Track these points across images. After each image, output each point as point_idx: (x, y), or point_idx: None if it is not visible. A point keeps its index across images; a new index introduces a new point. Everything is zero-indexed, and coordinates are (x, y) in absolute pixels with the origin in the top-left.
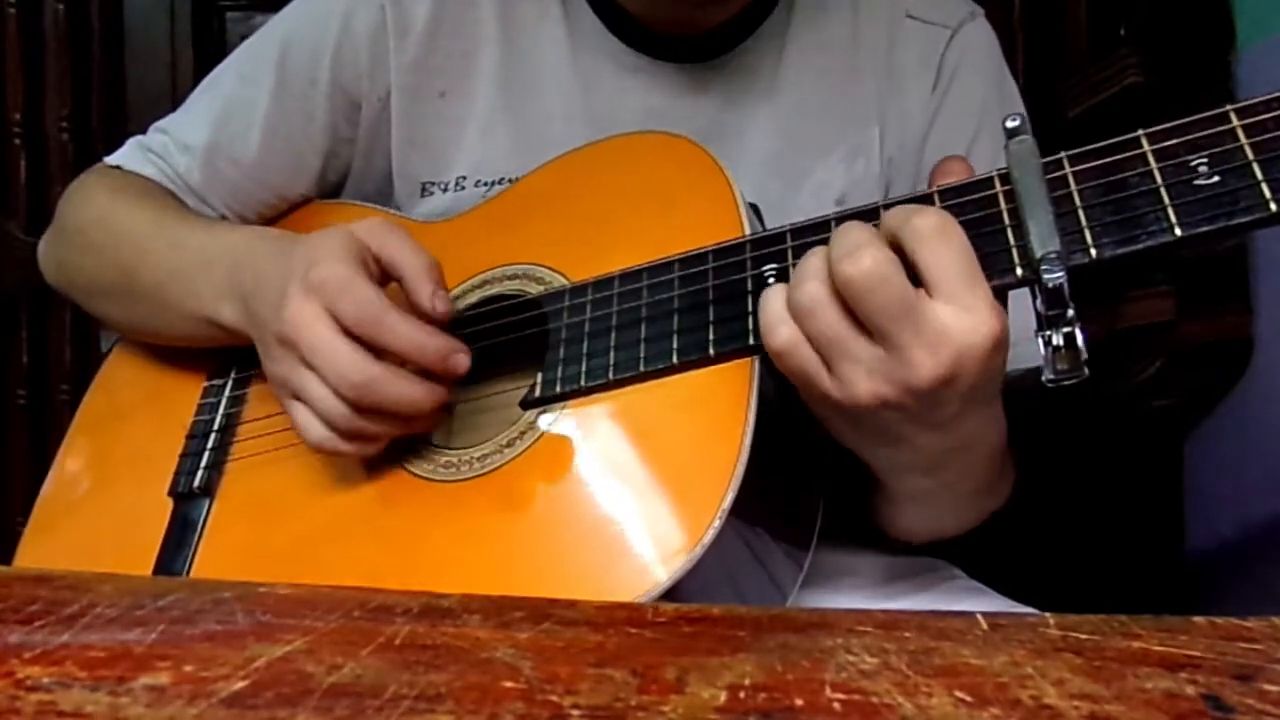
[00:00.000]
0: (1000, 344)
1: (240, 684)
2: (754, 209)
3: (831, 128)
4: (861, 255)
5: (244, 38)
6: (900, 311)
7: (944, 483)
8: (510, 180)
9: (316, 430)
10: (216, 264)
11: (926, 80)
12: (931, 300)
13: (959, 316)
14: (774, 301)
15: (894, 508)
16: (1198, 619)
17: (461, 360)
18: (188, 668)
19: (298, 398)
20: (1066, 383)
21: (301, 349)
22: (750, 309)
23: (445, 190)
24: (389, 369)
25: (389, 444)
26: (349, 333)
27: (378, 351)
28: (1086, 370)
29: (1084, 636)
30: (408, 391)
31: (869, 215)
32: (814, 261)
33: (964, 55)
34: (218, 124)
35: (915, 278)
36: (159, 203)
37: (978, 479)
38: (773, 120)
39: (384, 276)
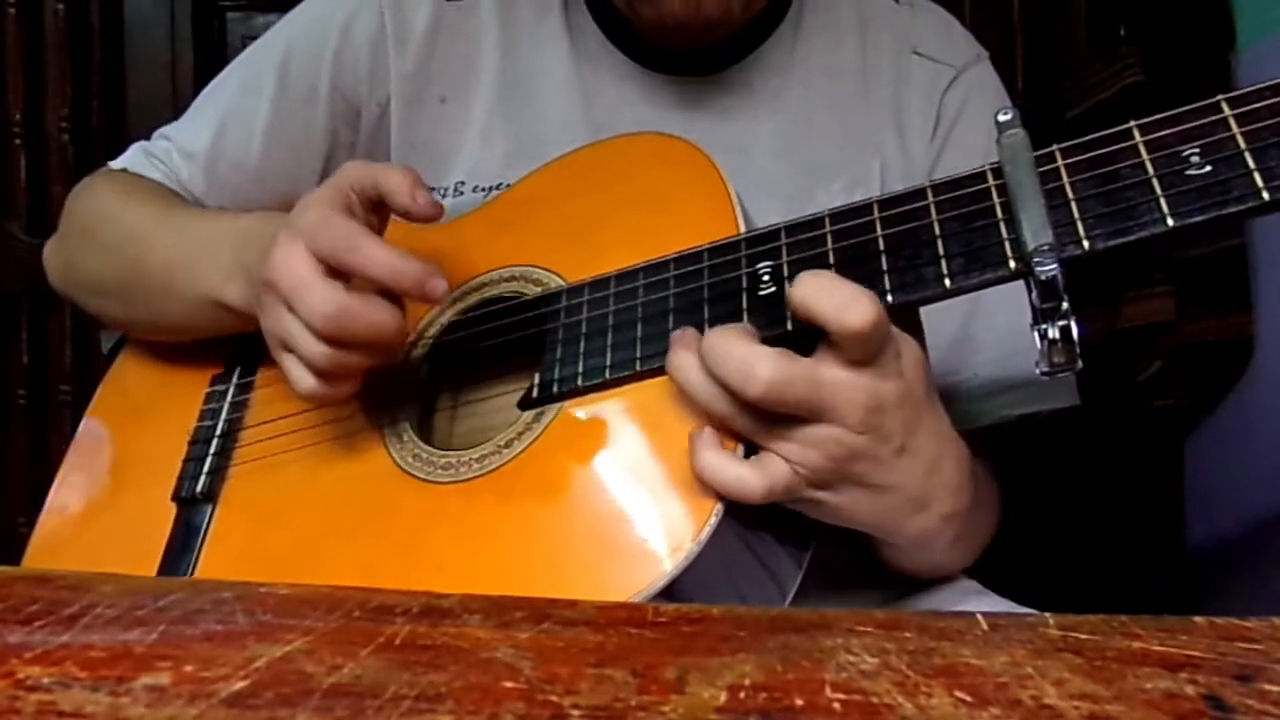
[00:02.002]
0: (879, 329)
1: (240, 684)
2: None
3: (835, 154)
4: (757, 370)
5: (244, 38)
6: (813, 391)
7: (941, 513)
8: (508, 186)
9: (305, 380)
10: (222, 246)
11: (928, 123)
12: (824, 355)
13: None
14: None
15: (900, 553)
16: (1198, 619)
17: (439, 284)
18: (188, 668)
19: (286, 348)
20: (1061, 375)
21: (282, 290)
22: (745, 305)
23: (444, 195)
24: (360, 297)
25: (390, 448)
26: (329, 270)
27: (358, 282)
28: (1080, 363)
29: (1084, 636)
30: (379, 316)
31: (862, 212)
32: (704, 390)
33: (966, 101)
34: (219, 131)
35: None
36: (164, 199)
37: (965, 491)
38: (774, 140)
39: (371, 208)
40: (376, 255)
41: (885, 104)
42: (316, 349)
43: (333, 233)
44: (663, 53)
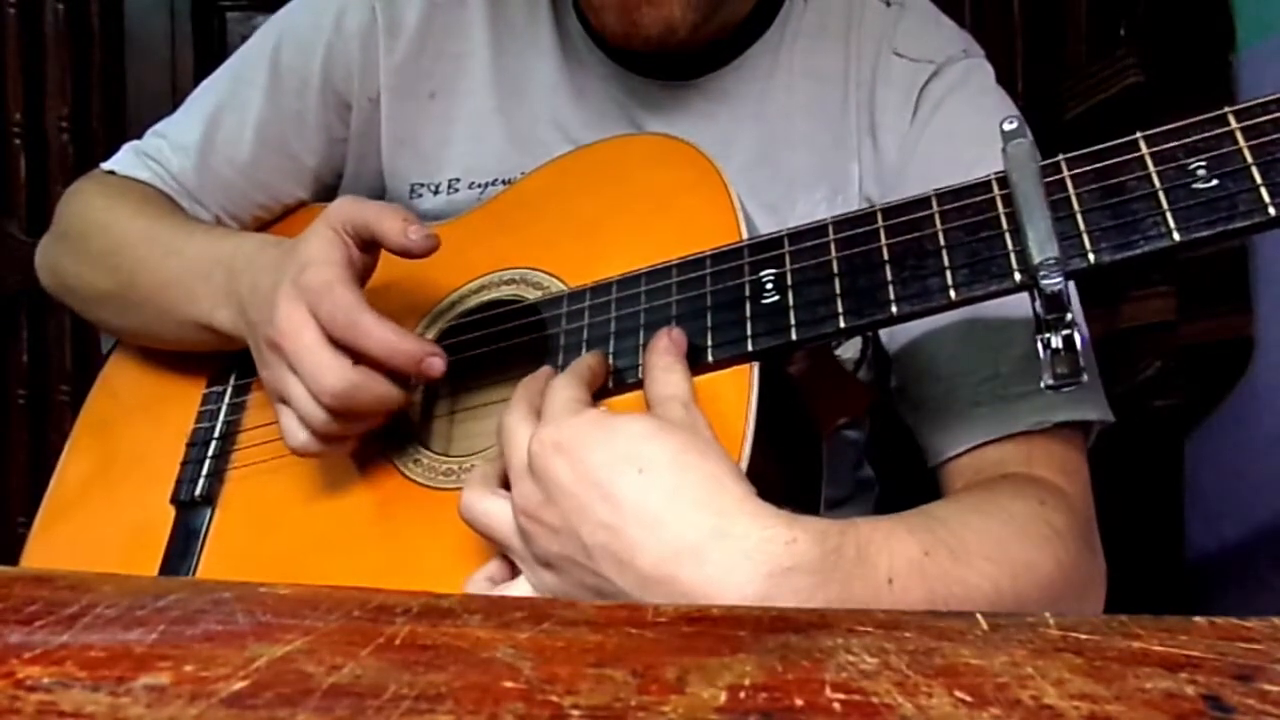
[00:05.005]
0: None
1: (240, 684)
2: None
3: (815, 162)
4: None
5: (244, 38)
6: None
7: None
8: (504, 182)
9: (298, 435)
10: (214, 270)
11: (903, 118)
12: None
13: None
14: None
15: None
16: (1198, 619)
17: (436, 364)
18: (188, 668)
19: (284, 401)
20: (1065, 388)
21: (287, 354)
22: (749, 314)
23: (436, 192)
24: (367, 374)
25: (390, 453)
26: (331, 337)
27: (357, 355)
28: (1085, 375)
29: (1084, 636)
30: (384, 394)
31: (866, 220)
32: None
33: (952, 88)
34: (212, 123)
35: None
36: (155, 209)
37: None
38: (753, 147)
39: (364, 246)
40: (374, 333)
41: (862, 106)
42: (319, 415)
43: (334, 304)
44: (641, 56)
